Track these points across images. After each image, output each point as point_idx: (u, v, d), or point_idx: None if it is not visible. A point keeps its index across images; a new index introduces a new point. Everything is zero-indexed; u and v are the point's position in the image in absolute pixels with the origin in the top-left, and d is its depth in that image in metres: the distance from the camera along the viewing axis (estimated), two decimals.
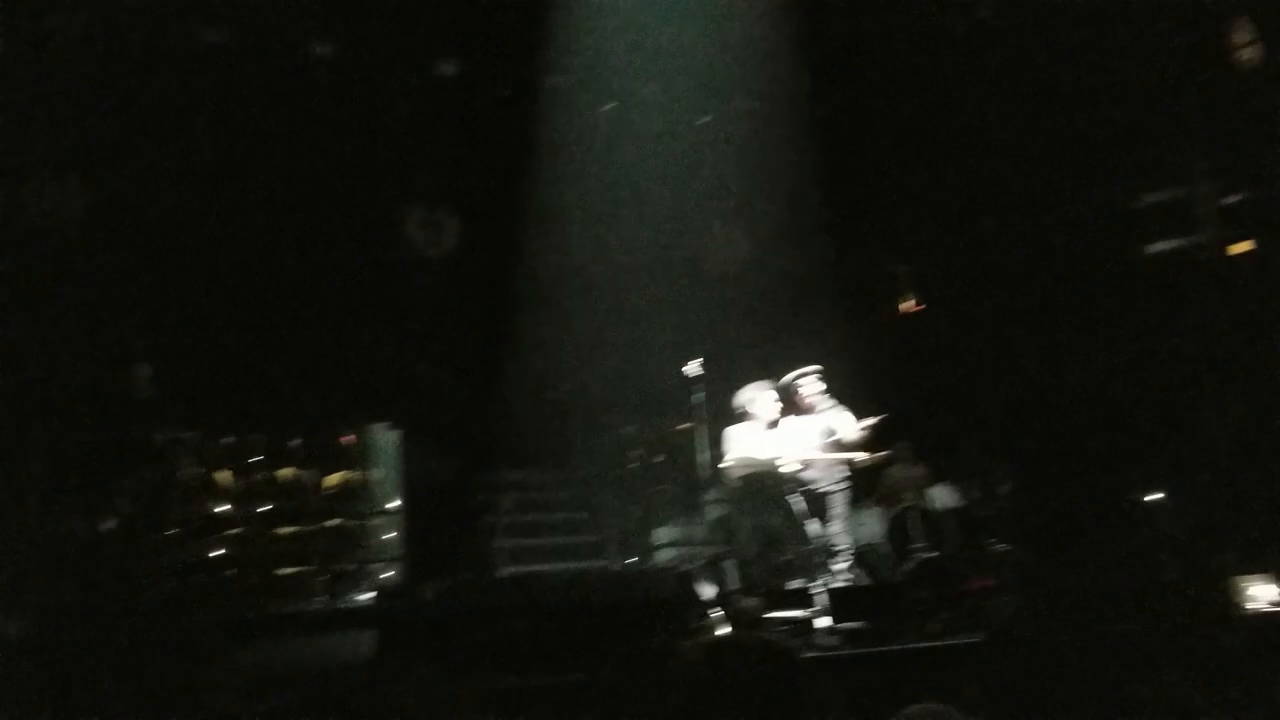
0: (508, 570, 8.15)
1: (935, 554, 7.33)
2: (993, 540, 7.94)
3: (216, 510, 8.77)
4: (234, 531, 8.63)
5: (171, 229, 7.89)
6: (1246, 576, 4.24)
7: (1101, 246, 9.08)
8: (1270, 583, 4.14)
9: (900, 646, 5.50)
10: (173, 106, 7.69)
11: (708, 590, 6.31)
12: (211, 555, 8.49)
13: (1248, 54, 9.22)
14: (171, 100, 7.66)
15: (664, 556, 8.28)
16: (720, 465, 6.70)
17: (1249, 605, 4.13)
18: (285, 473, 9.04)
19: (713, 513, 7.62)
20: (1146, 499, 7.70)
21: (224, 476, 8.89)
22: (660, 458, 8.37)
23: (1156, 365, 8.52)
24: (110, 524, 7.25)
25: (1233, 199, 9.31)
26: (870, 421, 6.63)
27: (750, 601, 5.73)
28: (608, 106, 9.25)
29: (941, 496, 8.70)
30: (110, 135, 7.24)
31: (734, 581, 6.13)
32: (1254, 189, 9.22)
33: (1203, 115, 9.04)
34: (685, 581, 6.04)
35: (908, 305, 9.84)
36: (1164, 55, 8.80)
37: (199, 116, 7.87)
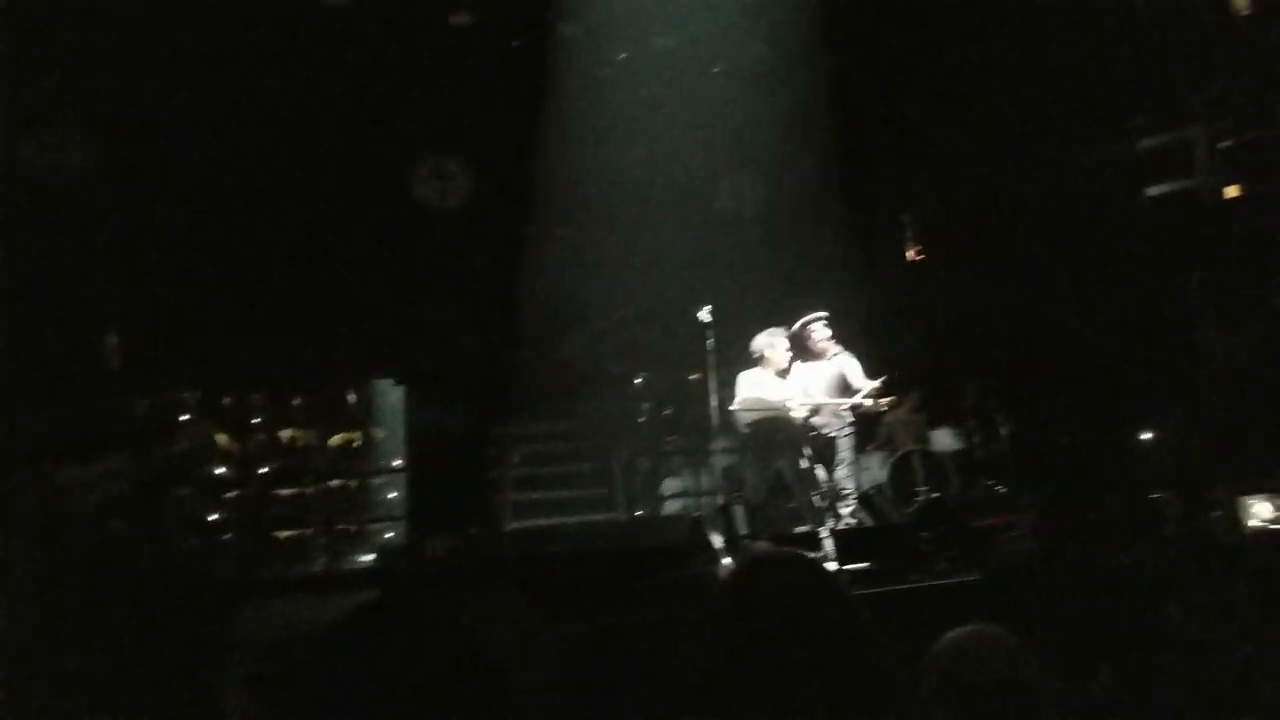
0: (514, 525, 8.17)
1: (938, 495, 7.40)
2: (994, 481, 8.03)
3: (216, 472, 8.76)
4: (234, 494, 8.62)
5: (172, 182, 7.74)
6: (1248, 496, 4.30)
7: (1098, 189, 9.11)
8: (1269, 500, 4.20)
9: (908, 585, 5.55)
10: (174, 51, 7.50)
11: (717, 537, 6.36)
12: (212, 518, 8.49)
13: (1238, 3, 9.19)
14: (173, 44, 7.47)
15: (673, 506, 8.32)
16: (729, 410, 6.72)
17: (1250, 524, 4.19)
18: (287, 433, 9.02)
19: (722, 461, 7.65)
20: (1145, 435, 7.79)
21: (223, 437, 8.87)
22: (670, 409, 8.39)
23: (1152, 305, 8.59)
24: (109, 488, 7.20)
25: (1228, 142, 9.33)
26: (878, 383, 6.67)
27: (760, 546, 5.77)
28: (621, 56, 9.12)
29: (944, 440, 8.77)
30: (107, 83, 7.06)
31: (743, 527, 6.17)
32: (1249, 132, 9.25)
33: (1199, 59, 9.03)
34: (695, 528, 6.07)
35: (913, 252, 9.85)
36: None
37: (204, 62, 7.67)
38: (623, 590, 4.55)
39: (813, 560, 1.77)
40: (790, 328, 6.90)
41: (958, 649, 1.98)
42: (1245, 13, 9.17)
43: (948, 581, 5.55)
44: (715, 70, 9.28)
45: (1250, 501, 4.12)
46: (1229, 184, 9.43)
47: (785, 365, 6.72)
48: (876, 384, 6.68)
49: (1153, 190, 9.45)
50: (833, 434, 6.85)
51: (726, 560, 5.83)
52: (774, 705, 1.45)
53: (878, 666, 1.53)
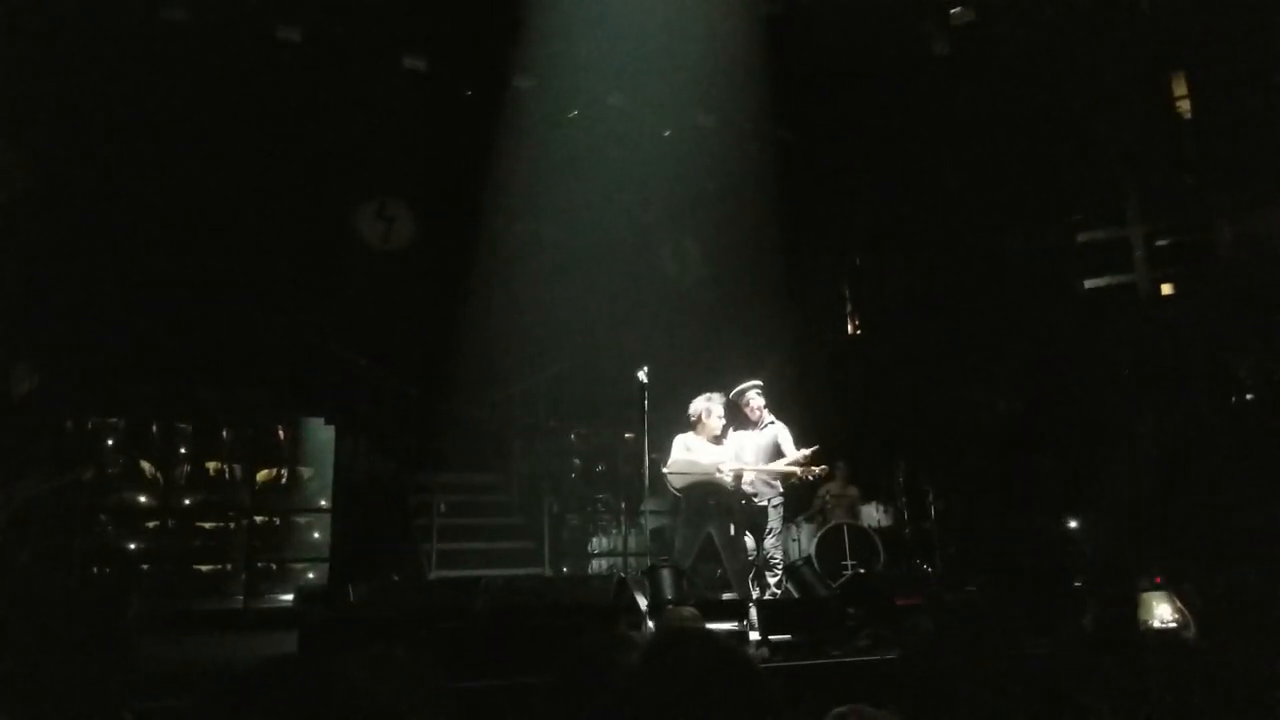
0: (438, 574, 8.02)
1: (863, 570, 7.43)
2: (920, 560, 8.10)
3: (139, 500, 8.52)
4: (155, 523, 8.39)
5: (110, 212, 7.63)
6: (1150, 593, 4.38)
7: (1036, 279, 9.39)
8: (1169, 601, 4.29)
9: (829, 660, 5.55)
10: (128, 85, 7.44)
11: (642, 600, 6.30)
12: (130, 547, 8.24)
13: (1183, 106, 9.66)
14: (127, 78, 7.42)
15: (600, 565, 8.25)
16: (662, 473, 6.70)
17: (1154, 622, 4.28)
18: (213, 464, 8.83)
19: (651, 522, 7.61)
20: (1065, 523, 7.95)
21: (147, 466, 8.65)
22: (601, 466, 8.35)
23: (1078, 395, 8.81)
24: (27, 513, 6.96)
25: (1162, 241, 9.70)
26: (809, 451, 6.71)
27: (684, 612, 5.73)
28: (572, 112, 9.21)
29: (874, 515, 8.85)
30: (58, 111, 6.99)
31: (669, 591, 6.12)
32: (1181, 233, 9.63)
33: (1138, 161, 9.42)
34: (621, 589, 6.02)
35: (849, 328, 10.04)
36: (1104, 102, 9.16)
37: (153, 97, 7.62)
38: (542, 647, 4.50)
39: (725, 640, 1.78)
40: (728, 394, 6.94)
41: None
42: (1187, 116, 9.64)
43: (868, 659, 5.57)
44: (665, 134, 9.43)
45: (1152, 600, 4.22)
46: (1164, 280, 9.81)
47: (719, 430, 6.74)
48: (807, 453, 6.72)
49: (1090, 282, 9.78)
50: (763, 503, 6.87)
51: (650, 624, 5.78)
52: None
53: None
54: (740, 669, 1.62)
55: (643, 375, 6.68)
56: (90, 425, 8.46)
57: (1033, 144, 8.94)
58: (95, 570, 7.76)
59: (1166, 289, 9.80)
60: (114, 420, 8.42)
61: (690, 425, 6.78)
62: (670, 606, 5.77)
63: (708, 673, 1.55)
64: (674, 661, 1.58)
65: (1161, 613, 4.15)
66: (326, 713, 1.25)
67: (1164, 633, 4.01)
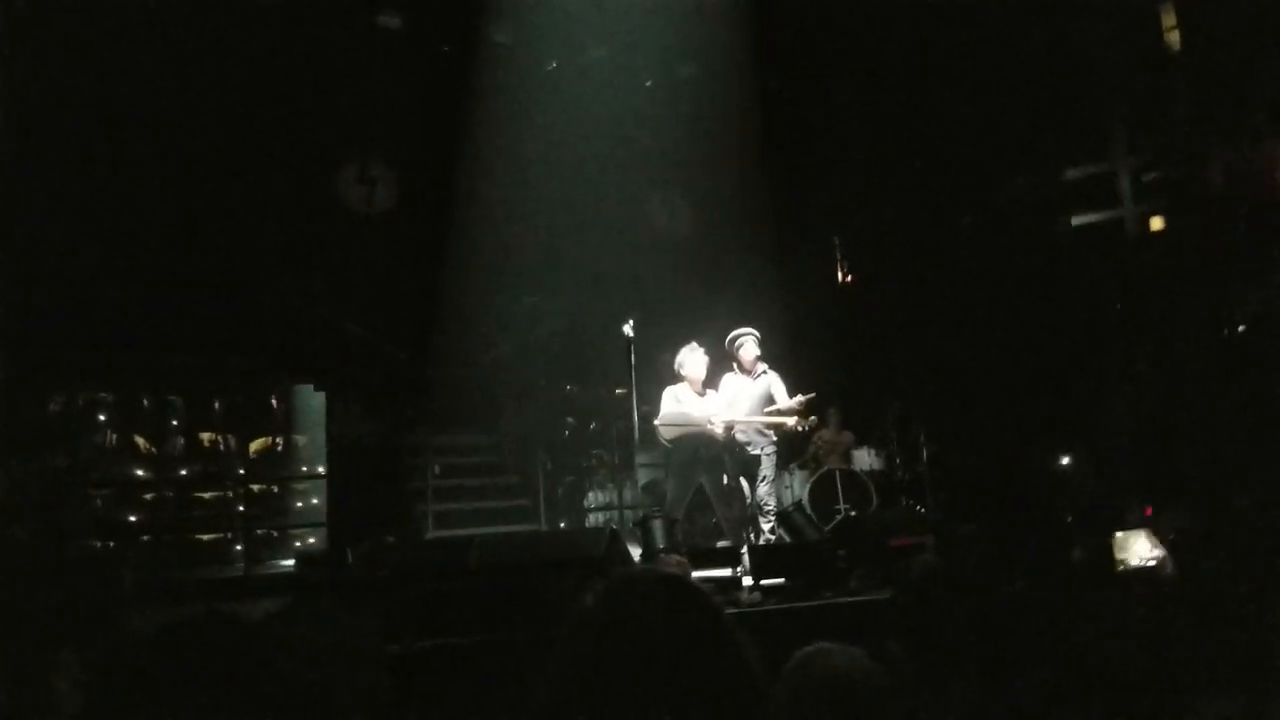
0: (434, 535, 8.08)
1: (856, 513, 7.48)
2: (912, 502, 8.16)
3: (134, 474, 8.55)
4: (151, 495, 8.42)
5: (92, 180, 7.54)
6: (1127, 532, 4.40)
7: (1025, 217, 9.33)
8: (1148, 538, 4.30)
9: (820, 602, 5.61)
10: (98, 48, 7.31)
11: (635, 550, 6.35)
12: (129, 520, 8.29)
13: (1171, 38, 9.52)
14: (97, 41, 7.28)
15: (596, 520, 8.31)
16: (653, 425, 6.72)
17: (1131, 560, 4.30)
18: (207, 435, 8.85)
19: (643, 475, 7.65)
20: (1056, 461, 7.97)
21: (140, 440, 8.66)
22: (594, 424, 8.37)
23: (1068, 337, 8.79)
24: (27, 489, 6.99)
25: (1150, 176, 9.60)
26: (803, 398, 6.68)
27: (672, 559, 5.78)
28: (551, 64, 9.06)
29: (866, 460, 8.90)
30: (25, 76, 6.86)
31: (661, 541, 6.17)
32: (1169, 167, 9.54)
33: (1126, 95, 9.30)
34: (613, 542, 6.06)
35: (840, 275, 10.00)
36: (1091, 36, 9.02)
37: (127, 60, 7.48)
38: (532, 601, 4.54)
39: (681, 579, 1.78)
40: (712, 344, 6.92)
41: (802, 667, 2.01)
42: (1176, 49, 9.50)
43: (860, 599, 5.62)
44: (647, 84, 9.29)
45: (1129, 538, 4.23)
46: (1153, 215, 9.74)
47: (703, 378, 6.75)
48: (801, 399, 6.71)
49: (1078, 219, 9.71)
50: (756, 451, 6.89)
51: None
52: None
53: (749, 687, 1.53)
54: (694, 605, 1.61)
55: (628, 329, 6.67)
56: (81, 401, 8.47)
57: (1019, 80, 8.83)
58: (93, 544, 7.80)
59: (1156, 224, 9.73)
60: (104, 395, 8.41)
61: (677, 377, 6.79)
62: (661, 555, 5.84)
63: (659, 612, 1.53)
64: (624, 603, 1.56)
65: (1140, 550, 4.17)
66: (245, 668, 1.26)
67: (1143, 570, 4.04)
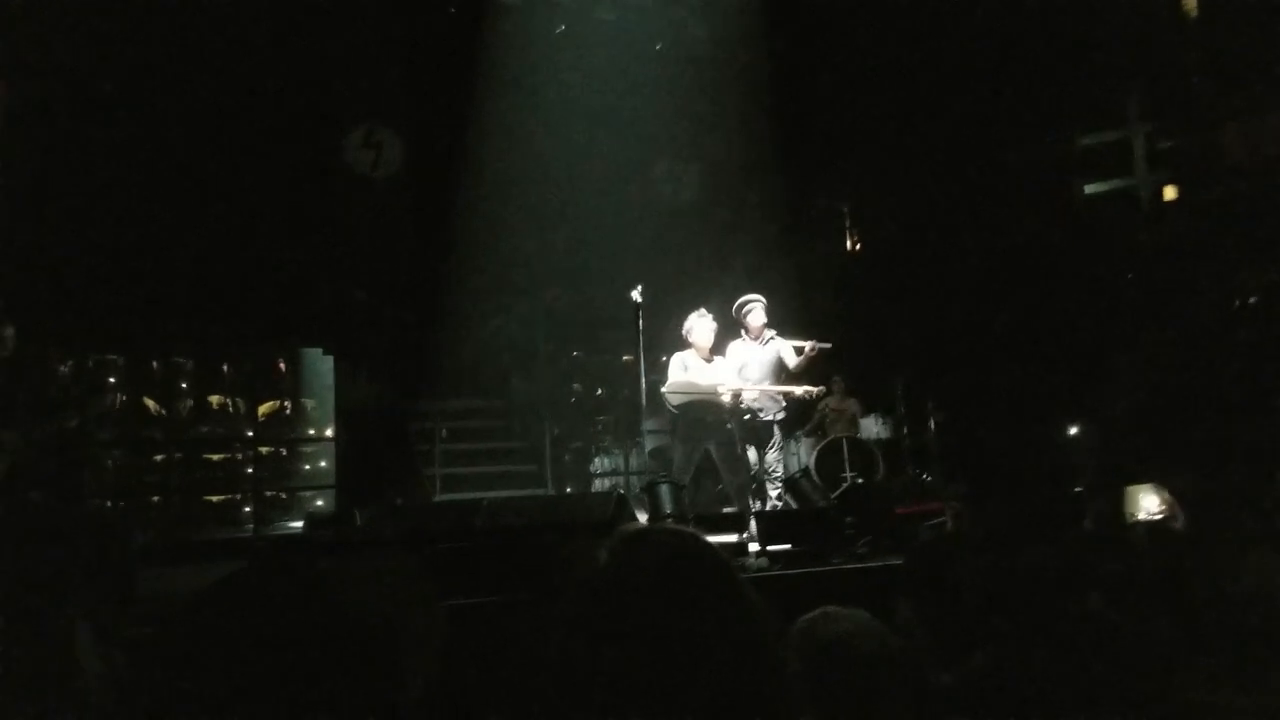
0: (442, 498, 8.13)
1: (862, 481, 7.49)
2: (921, 469, 8.16)
3: (144, 436, 8.60)
4: (161, 457, 8.48)
5: (100, 147, 7.52)
6: (1135, 486, 4.38)
7: (1036, 185, 9.24)
8: (1156, 493, 4.29)
9: (828, 567, 5.62)
10: (105, 14, 7.26)
11: (642, 516, 6.37)
12: (140, 481, 8.35)
13: (1188, 2, 9.35)
14: (104, 8, 7.23)
15: (603, 485, 8.34)
16: (661, 391, 6.71)
17: (1140, 514, 4.28)
18: (216, 398, 8.88)
19: (650, 441, 7.66)
20: (1066, 430, 7.96)
21: (151, 403, 8.70)
22: (600, 389, 8.37)
23: (1078, 305, 8.74)
24: (39, 450, 7.03)
25: (1169, 144, 9.48)
26: (812, 345, 6.59)
27: (684, 526, 5.79)
28: (560, 27, 8.95)
29: (873, 428, 8.89)
30: (35, 43, 6.83)
31: (668, 506, 6.18)
32: (1184, 135, 9.41)
33: (1140, 61, 9.16)
34: (620, 505, 6.08)
35: (848, 243, 9.92)
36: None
37: (137, 30, 7.43)
38: (537, 563, 4.56)
39: (694, 535, 1.78)
40: (720, 310, 6.89)
41: (809, 630, 2.02)
42: (1193, 15, 9.35)
43: (867, 565, 5.63)
44: (656, 48, 9.17)
45: (1138, 492, 4.22)
46: (1167, 184, 9.63)
47: (710, 344, 6.72)
48: (814, 345, 6.57)
49: (1090, 188, 9.60)
50: (767, 417, 6.87)
51: None
52: (647, 680, 1.45)
53: (760, 645, 1.53)
54: (706, 559, 1.60)
55: (636, 295, 6.65)
56: (91, 363, 8.50)
57: (1032, 46, 8.70)
58: (105, 505, 7.87)
59: (1170, 193, 9.63)
60: (114, 358, 8.44)
61: (684, 344, 6.77)
62: (669, 520, 5.85)
63: (669, 565, 1.53)
64: (637, 556, 1.56)
65: (1148, 504, 4.16)
66: (298, 624, 1.26)
67: (1151, 524, 4.03)
